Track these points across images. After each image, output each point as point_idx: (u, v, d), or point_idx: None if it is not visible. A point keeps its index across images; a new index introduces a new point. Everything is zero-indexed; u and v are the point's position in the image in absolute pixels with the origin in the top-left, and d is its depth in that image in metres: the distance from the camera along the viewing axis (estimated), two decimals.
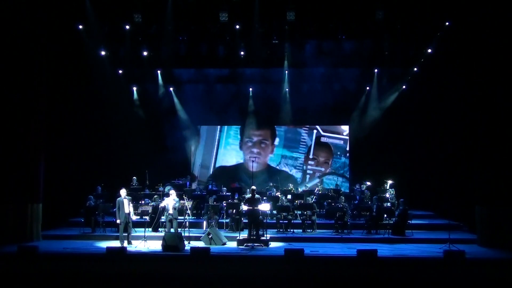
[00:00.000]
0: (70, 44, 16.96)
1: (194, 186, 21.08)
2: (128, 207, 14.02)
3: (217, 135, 22.55)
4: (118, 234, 14.23)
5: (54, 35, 15.73)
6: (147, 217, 16.13)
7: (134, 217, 14.36)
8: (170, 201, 14.51)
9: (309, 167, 22.25)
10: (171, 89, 21.34)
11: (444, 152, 17.86)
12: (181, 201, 15.22)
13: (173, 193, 14.90)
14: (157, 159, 20.81)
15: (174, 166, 21.13)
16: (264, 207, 14.83)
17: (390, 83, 20.47)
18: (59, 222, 16.60)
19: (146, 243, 13.61)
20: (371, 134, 20.93)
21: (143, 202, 17.41)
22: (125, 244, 13.83)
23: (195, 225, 15.90)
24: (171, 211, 14.42)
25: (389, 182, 18.57)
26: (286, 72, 20.03)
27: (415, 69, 19.42)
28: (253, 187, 15.03)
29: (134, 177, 19.07)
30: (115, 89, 19.47)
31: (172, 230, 14.30)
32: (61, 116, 17.01)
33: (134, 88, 20.99)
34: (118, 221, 13.99)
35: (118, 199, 14.12)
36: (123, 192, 14.23)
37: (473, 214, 14.54)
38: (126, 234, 14.03)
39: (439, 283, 11.50)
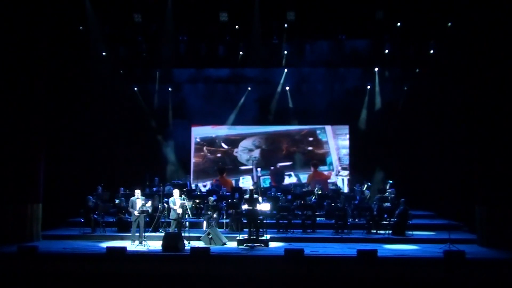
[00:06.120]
0: (70, 44, 16.96)
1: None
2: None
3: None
4: (118, 234, 14.21)
5: (54, 35, 15.71)
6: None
7: (136, 213, 14.23)
8: (177, 201, 14.41)
9: None
10: (169, 89, 21.32)
11: (445, 152, 17.85)
12: (181, 201, 15.19)
13: (176, 192, 14.84)
14: (157, 159, 20.81)
15: (174, 166, 21.10)
16: (264, 207, 14.83)
17: (390, 83, 20.45)
18: (59, 222, 16.56)
19: (146, 243, 13.62)
20: (371, 134, 20.92)
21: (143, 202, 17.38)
22: (136, 242, 13.89)
23: (195, 225, 15.87)
24: (179, 211, 14.28)
25: (389, 182, 18.56)
26: (286, 71, 20.02)
27: (417, 70, 19.42)
28: (251, 187, 15.02)
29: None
30: (115, 89, 19.47)
31: (175, 229, 14.24)
32: (61, 116, 16.99)
33: (135, 89, 21.00)
34: (135, 212, 14.02)
35: (131, 198, 14.38)
36: (137, 192, 14.39)
37: (473, 214, 14.52)
38: (137, 234, 14.07)
39: (439, 283, 11.51)
